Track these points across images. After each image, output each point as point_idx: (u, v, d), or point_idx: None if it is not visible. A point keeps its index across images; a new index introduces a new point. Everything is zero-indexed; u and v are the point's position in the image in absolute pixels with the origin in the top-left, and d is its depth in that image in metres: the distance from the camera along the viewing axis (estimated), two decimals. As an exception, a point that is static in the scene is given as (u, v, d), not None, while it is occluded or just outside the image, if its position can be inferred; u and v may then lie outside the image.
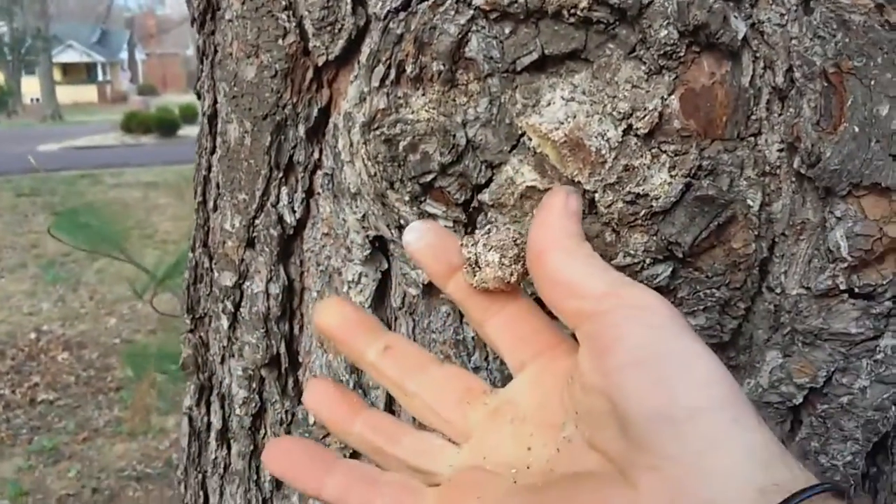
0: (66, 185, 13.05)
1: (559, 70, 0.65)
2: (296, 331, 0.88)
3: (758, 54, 0.64)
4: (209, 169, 0.94)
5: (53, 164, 14.58)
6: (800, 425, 0.73)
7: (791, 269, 0.68)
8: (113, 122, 24.12)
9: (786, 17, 0.63)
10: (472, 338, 0.76)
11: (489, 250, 0.55)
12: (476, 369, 0.76)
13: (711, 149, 0.64)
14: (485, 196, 0.68)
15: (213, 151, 0.92)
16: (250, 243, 0.86)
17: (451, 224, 0.70)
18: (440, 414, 0.57)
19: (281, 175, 0.81)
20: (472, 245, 0.56)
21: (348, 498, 0.54)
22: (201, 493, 1.06)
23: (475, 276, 0.55)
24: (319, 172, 0.81)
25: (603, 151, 0.63)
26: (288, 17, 0.75)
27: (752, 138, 0.65)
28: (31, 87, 41.73)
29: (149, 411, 4.68)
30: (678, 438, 0.42)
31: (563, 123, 0.64)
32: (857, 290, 0.66)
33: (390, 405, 0.81)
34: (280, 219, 0.83)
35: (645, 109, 0.62)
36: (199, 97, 0.97)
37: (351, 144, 0.72)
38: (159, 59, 64.37)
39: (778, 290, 0.68)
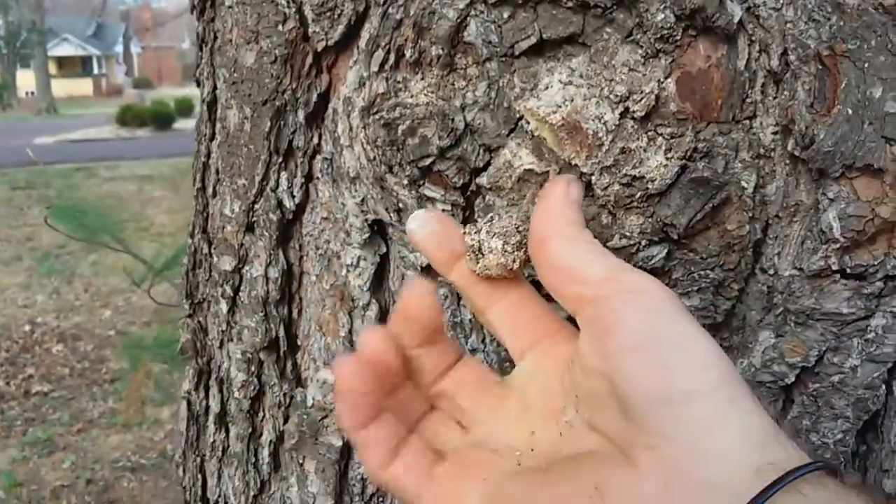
0: (62, 179, 13.03)
1: (557, 54, 0.65)
2: (294, 314, 0.89)
3: (753, 38, 0.64)
4: (208, 155, 0.94)
5: (49, 158, 14.53)
6: (791, 404, 0.74)
7: (784, 251, 0.68)
8: (108, 115, 24.07)
9: (781, 1, 0.64)
10: (469, 320, 0.77)
11: (492, 237, 0.56)
12: (473, 351, 0.77)
13: (707, 131, 0.64)
14: (483, 179, 0.68)
15: (212, 138, 0.92)
16: (250, 228, 0.87)
17: (449, 207, 0.70)
18: (455, 400, 0.58)
19: (280, 160, 0.82)
20: (476, 232, 0.57)
21: (378, 446, 0.54)
22: (199, 476, 1.07)
23: (478, 262, 0.56)
24: (319, 157, 0.81)
25: (600, 134, 0.64)
26: (287, 2, 0.76)
27: (747, 121, 0.66)
28: (26, 80, 41.56)
29: (143, 402, 4.69)
30: (675, 420, 0.43)
31: (560, 107, 0.65)
32: (848, 270, 0.67)
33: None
34: (279, 203, 0.83)
35: (641, 92, 0.63)
36: (198, 84, 0.97)
37: (350, 129, 0.72)
38: (155, 53, 64.20)
39: (771, 272, 0.69)
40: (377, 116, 0.68)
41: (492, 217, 0.58)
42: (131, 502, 4.27)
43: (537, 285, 0.58)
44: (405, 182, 0.70)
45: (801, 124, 0.63)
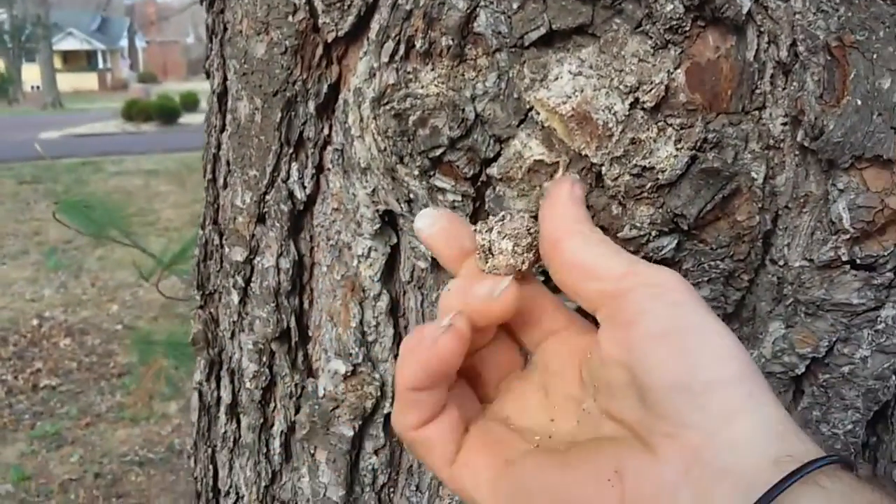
0: (68, 173, 13.05)
1: (566, 45, 0.66)
2: (305, 305, 0.90)
3: (762, 28, 0.65)
4: (219, 147, 0.95)
5: (54, 152, 14.55)
6: (802, 395, 0.74)
7: (794, 242, 0.69)
8: (113, 109, 24.09)
9: (789, -8, 0.64)
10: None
11: (503, 238, 0.56)
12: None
13: (716, 122, 0.65)
14: (493, 170, 0.69)
15: (222, 129, 0.93)
16: (261, 219, 0.87)
17: (459, 198, 0.71)
18: (482, 376, 0.58)
19: (291, 151, 0.82)
20: (486, 232, 0.57)
21: (424, 406, 0.54)
22: (211, 466, 1.07)
23: (487, 262, 0.57)
24: (329, 148, 0.81)
25: (610, 125, 0.64)
26: (298, -6, 0.76)
27: (757, 112, 0.66)
28: (31, 74, 41.66)
29: (151, 397, 4.70)
30: (697, 409, 0.44)
31: (570, 97, 0.65)
32: (858, 261, 0.67)
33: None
34: (290, 194, 0.84)
35: (651, 83, 0.63)
36: (207, 76, 0.97)
37: (361, 120, 0.73)
38: (159, 47, 64.27)
39: (781, 262, 0.69)
40: (388, 107, 0.69)
41: (503, 216, 0.58)
42: (139, 496, 4.28)
43: (544, 278, 0.58)
44: (416, 173, 0.70)
45: (811, 115, 0.64)
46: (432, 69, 0.68)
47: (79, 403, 5.27)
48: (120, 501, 4.24)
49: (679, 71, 0.64)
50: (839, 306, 0.69)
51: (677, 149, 0.64)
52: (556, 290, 0.56)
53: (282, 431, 0.93)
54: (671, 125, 0.64)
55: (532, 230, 0.57)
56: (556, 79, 0.65)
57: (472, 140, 0.68)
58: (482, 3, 0.65)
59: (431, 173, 0.70)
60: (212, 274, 1.00)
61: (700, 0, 0.61)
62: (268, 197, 0.85)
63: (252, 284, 0.90)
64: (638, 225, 0.67)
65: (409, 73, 0.69)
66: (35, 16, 34.27)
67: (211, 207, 0.98)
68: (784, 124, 0.66)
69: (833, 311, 0.69)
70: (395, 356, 0.82)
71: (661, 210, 0.66)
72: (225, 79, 0.90)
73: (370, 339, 0.84)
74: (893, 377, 0.71)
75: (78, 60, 53.84)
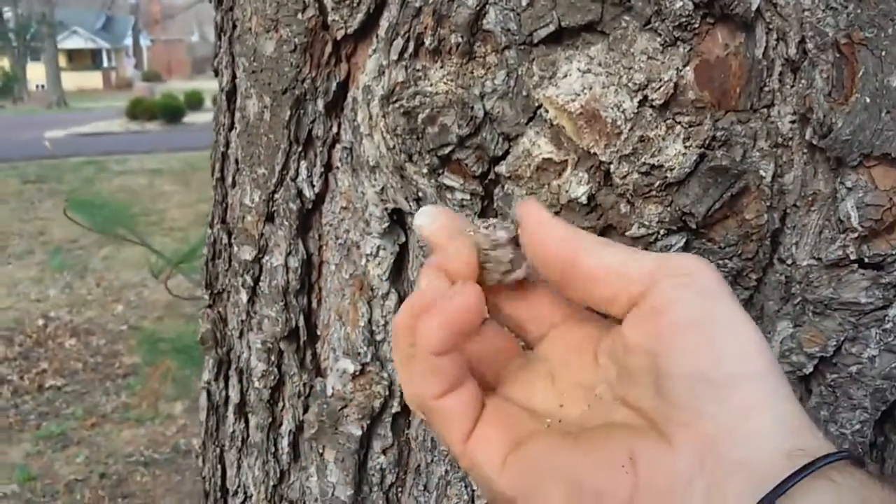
0: (73, 172, 13.05)
1: (575, 42, 0.66)
2: (314, 304, 0.90)
3: (771, 26, 0.65)
4: (227, 145, 0.95)
5: (59, 151, 14.54)
6: (810, 394, 0.74)
7: (802, 240, 0.69)
8: (118, 108, 24.10)
9: (799, -10, 0.64)
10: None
11: (496, 249, 0.55)
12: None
13: (725, 120, 0.65)
14: (502, 168, 0.69)
15: (231, 128, 0.93)
16: (270, 217, 0.87)
17: (468, 197, 0.71)
18: (483, 361, 0.58)
19: (300, 149, 0.82)
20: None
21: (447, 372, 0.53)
22: (219, 466, 1.07)
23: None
24: (338, 146, 0.82)
25: (619, 123, 0.64)
26: (307, -8, 0.76)
27: (765, 109, 0.66)
28: (36, 73, 41.68)
29: (156, 397, 4.71)
30: (717, 401, 0.44)
31: (579, 95, 0.65)
32: (866, 260, 0.67)
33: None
34: (299, 193, 0.84)
35: (660, 81, 0.63)
36: (216, 74, 0.98)
37: (370, 117, 0.73)
38: (164, 46, 64.32)
39: (789, 261, 0.69)
40: (397, 105, 0.69)
41: (493, 226, 0.57)
42: (145, 497, 4.29)
43: None
44: (425, 171, 0.70)
45: (819, 113, 0.64)
46: (441, 67, 0.68)
47: (84, 404, 5.28)
48: (125, 502, 4.24)
49: (688, 68, 0.64)
50: (847, 305, 0.69)
51: (686, 147, 0.64)
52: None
53: (290, 431, 0.93)
54: (680, 123, 0.64)
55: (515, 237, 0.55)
56: (565, 76, 0.66)
57: (480, 138, 0.68)
58: (491, 1, 0.66)
59: (440, 171, 0.70)
60: (220, 273, 1.00)
61: (709, -2, 0.62)
62: (276, 195, 0.85)
63: (261, 283, 0.90)
64: (646, 223, 0.67)
65: (418, 70, 0.69)
66: (40, 14, 34.29)
67: (219, 206, 0.98)
68: (792, 122, 0.66)
69: (841, 310, 0.69)
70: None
71: (669, 208, 0.66)
72: (234, 77, 0.90)
73: (378, 338, 0.84)
74: (902, 375, 0.71)
75: (82, 59, 53.90)
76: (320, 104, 0.80)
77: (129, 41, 59.15)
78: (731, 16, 0.63)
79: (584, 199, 0.67)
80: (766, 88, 0.66)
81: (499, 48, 0.66)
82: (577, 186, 0.67)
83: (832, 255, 0.67)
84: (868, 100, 0.62)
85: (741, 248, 0.69)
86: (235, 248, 0.93)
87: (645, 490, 0.45)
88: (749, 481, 0.42)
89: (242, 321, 0.95)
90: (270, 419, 0.95)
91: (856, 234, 0.66)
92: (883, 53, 0.62)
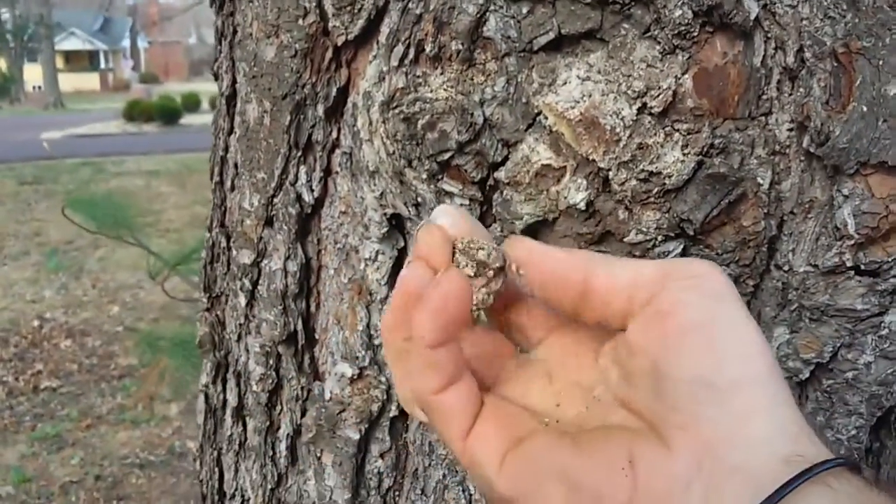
0: (69, 174, 13.04)
1: (575, 49, 0.66)
2: (312, 308, 0.90)
3: (769, 34, 0.65)
4: (226, 149, 0.95)
5: (56, 152, 14.54)
6: (806, 400, 0.74)
7: (799, 247, 0.69)
8: (115, 110, 24.07)
9: (797, -1, 0.65)
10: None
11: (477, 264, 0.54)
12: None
13: (723, 127, 0.65)
14: (501, 174, 0.69)
15: (230, 132, 0.93)
16: (269, 222, 0.88)
17: (467, 202, 0.71)
18: (474, 369, 0.58)
19: (300, 154, 0.83)
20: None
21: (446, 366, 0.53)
22: (216, 469, 1.07)
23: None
24: (338, 151, 0.82)
25: (617, 130, 0.65)
26: (307, -2, 0.77)
27: (763, 117, 0.66)
28: (33, 74, 41.62)
29: (152, 399, 4.71)
30: (717, 405, 0.45)
31: (578, 102, 0.65)
32: (863, 267, 0.67)
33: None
34: (298, 197, 0.84)
35: (659, 88, 0.64)
36: (216, 78, 0.98)
37: (370, 123, 0.73)
38: (162, 48, 64.28)
39: (786, 268, 0.70)
40: (397, 111, 0.69)
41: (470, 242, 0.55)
42: (140, 499, 4.28)
43: None
44: (424, 176, 0.71)
45: (817, 121, 0.64)
46: (441, 73, 0.68)
47: (79, 405, 5.27)
48: (120, 504, 4.24)
49: (687, 76, 0.64)
50: (843, 312, 0.69)
51: (684, 154, 0.65)
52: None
53: (288, 434, 0.93)
54: (678, 130, 0.65)
55: (492, 257, 0.54)
56: (565, 83, 0.66)
57: (480, 144, 0.68)
58: (492, 8, 0.66)
59: (439, 177, 0.71)
60: (219, 276, 1.01)
61: (708, 6, 0.62)
62: (275, 200, 0.85)
63: (259, 287, 0.91)
64: (644, 230, 0.67)
65: (418, 76, 0.69)
66: (37, 15, 34.25)
67: (218, 210, 0.99)
68: (790, 130, 0.67)
69: (837, 317, 0.69)
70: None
71: (667, 215, 0.67)
72: (234, 81, 0.91)
73: (377, 342, 0.84)
74: (897, 382, 0.72)
75: (80, 60, 53.83)
76: (320, 109, 0.80)
77: (126, 43, 59.08)
78: (730, 24, 0.63)
79: (582, 206, 0.68)
80: (765, 97, 0.66)
81: (499, 55, 0.67)
82: (576, 193, 0.67)
83: (829, 262, 0.68)
84: (865, 108, 0.63)
85: (738, 255, 0.69)
86: (234, 252, 0.93)
87: (643, 493, 0.45)
88: (747, 486, 0.42)
89: (241, 325, 0.95)
90: (268, 423, 0.95)
91: (852, 242, 0.66)
92: (880, 63, 0.63)
